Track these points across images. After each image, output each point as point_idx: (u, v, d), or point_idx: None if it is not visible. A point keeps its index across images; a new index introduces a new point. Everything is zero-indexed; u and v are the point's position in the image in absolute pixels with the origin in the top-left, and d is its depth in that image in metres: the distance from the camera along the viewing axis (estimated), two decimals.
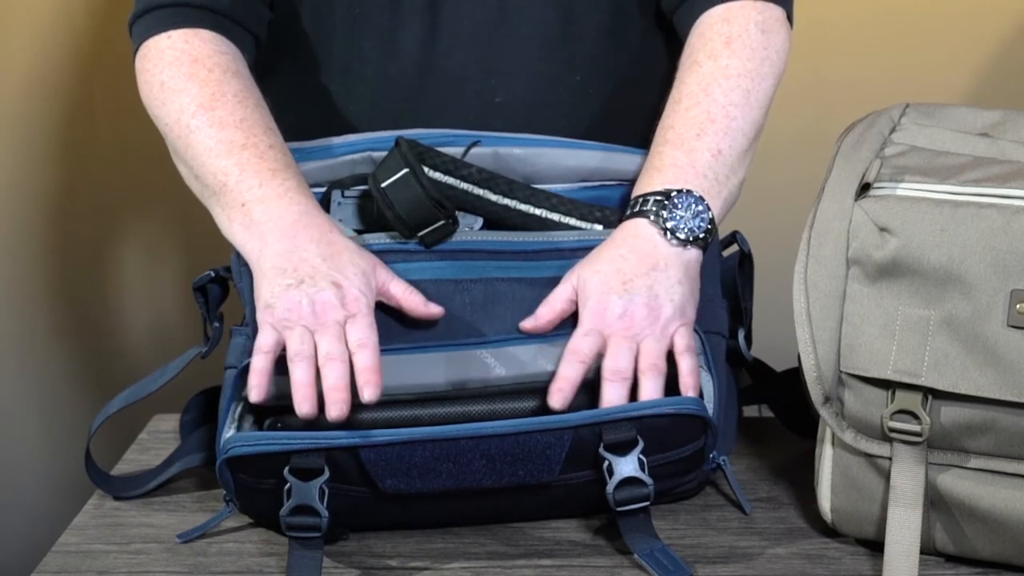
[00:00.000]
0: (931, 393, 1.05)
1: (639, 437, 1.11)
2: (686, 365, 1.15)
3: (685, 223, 1.18)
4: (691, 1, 1.33)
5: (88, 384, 2.01)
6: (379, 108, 1.34)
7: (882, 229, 1.06)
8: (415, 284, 1.18)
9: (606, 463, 1.11)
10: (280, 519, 1.09)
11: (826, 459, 1.12)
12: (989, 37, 1.90)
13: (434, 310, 1.17)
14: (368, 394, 1.09)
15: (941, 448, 1.06)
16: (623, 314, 1.15)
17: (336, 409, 1.08)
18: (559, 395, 1.13)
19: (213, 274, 1.26)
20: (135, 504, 1.24)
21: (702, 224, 1.19)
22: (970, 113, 1.16)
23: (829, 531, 1.15)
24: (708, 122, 1.24)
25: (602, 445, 1.11)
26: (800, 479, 1.23)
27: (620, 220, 1.23)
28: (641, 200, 1.20)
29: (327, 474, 1.09)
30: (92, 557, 1.15)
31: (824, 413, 1.09)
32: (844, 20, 1.87)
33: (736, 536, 1.16)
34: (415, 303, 1.17)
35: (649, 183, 1.22)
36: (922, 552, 1.07)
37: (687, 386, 1.15)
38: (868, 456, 1.09)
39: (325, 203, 1.27)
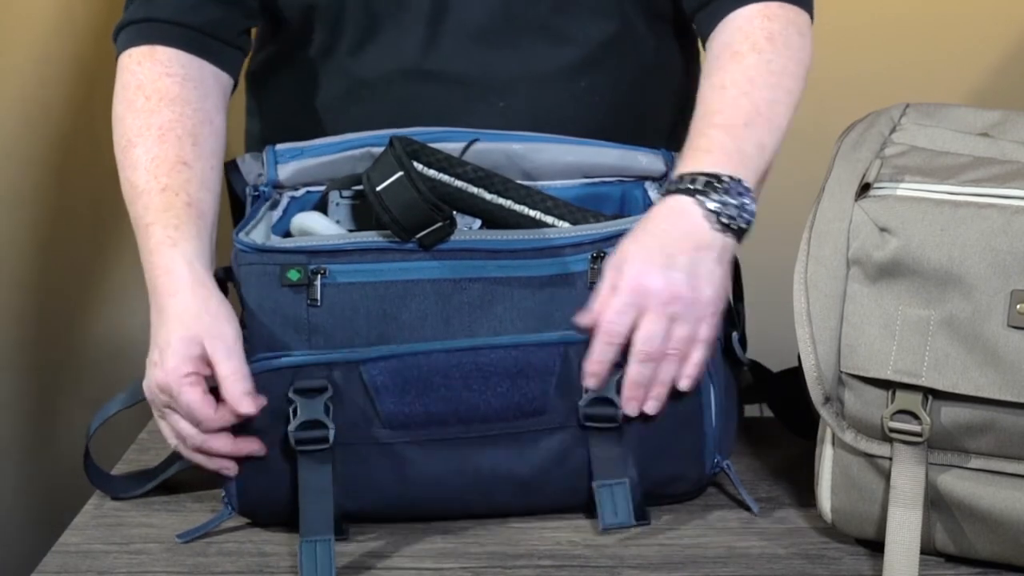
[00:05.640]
0: (931, 393, 1.05)
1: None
2: (698, 355, 1.15)
3: (730, 209, 1.16)
4: (720, 1, 1.31)
5: (88, 384, 2.01)
6: (381, 113, 1.34)
7: (882, 229, 1.06)
8: (413, 284, 1.17)
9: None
10: (288, 435, 1.12)
11: (826, 459, 1.12)
12: (989, 38, 1.90)
13: (244, 408, 1.12)
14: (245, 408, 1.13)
15: (941, 448, 1.06)
16: (663, 288, 1.13)
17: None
18: (594, 379, 1.14)
19: None
20: (135, 504, 1.24)
21: (744, 215, 1.17)
22: (970, 113, 1.15)
23: (829, 531, 1.15)
24: (755, 114, 1.21)
25: None
26: (800, 479, 1.23)
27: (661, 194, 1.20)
28: (689, 178, 1.17)
29: (331, 391, 1.13)
30: (92, 557, 1.15)
31: (824, 413, 1.09)
32: (844, 20, 1.87)
33: (736, 536, 1.16)
34: (234, 394, 1.13)
35: (696, 163, 1.18)
36: (922, 552, 1.07)
37: (689, 375, 1.15)
38: (868, 456, 1.09)
39: (323, 204, 1.27)
